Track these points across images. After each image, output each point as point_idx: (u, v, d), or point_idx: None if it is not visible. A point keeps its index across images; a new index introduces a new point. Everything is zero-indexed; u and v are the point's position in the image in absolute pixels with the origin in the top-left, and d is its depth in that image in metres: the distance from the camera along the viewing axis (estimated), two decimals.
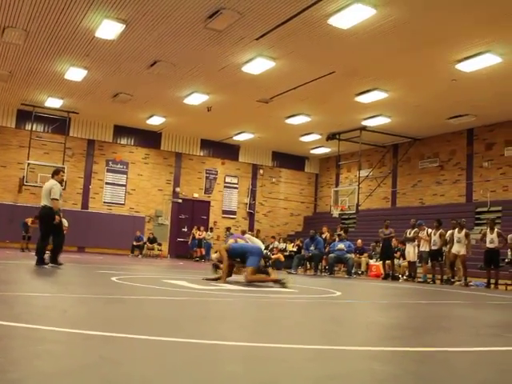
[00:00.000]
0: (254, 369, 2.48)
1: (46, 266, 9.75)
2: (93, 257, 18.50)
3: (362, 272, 18.76)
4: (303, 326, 4.41)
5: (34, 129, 22.80)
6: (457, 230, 14.73)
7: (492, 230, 14.36)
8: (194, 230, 24.53)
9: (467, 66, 14.84)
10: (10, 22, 13.96)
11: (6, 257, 13.85)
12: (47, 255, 10.21)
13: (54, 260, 10.07)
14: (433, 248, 15.14)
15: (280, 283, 8.10)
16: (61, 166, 22.65)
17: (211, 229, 25.29)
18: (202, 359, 2.61)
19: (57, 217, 10.00)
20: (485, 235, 14.50)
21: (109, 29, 13.84)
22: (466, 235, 14.62)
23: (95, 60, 16.44)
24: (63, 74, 17.82)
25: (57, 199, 10.02)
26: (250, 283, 8.12)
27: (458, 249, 14.54)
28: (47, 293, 5.72)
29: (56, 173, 10.57)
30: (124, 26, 13.60)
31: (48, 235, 10.22)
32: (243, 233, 18.88)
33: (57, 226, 10.11)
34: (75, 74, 17.68)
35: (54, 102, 21.45)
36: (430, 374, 2.63)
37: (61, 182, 10.57)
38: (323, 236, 18.51)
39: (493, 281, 14.05)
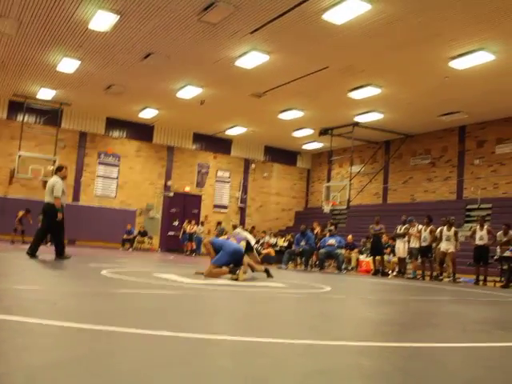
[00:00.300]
0: (243, 363, 2.49)
1: (35, 259, 9.81)
2: (83, 250, 18.45)
3: (352, 268, 18.83)
4: (293, 320, 4.42)
5: (25, 120, 22.69)
6: (445, 227, 14.82)
7: (482, 227, 14.45)
8: (185, 224, 24.51)
9: (460, 64, 14.89)
10: (2, 11, 13.86)
11: None
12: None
13: (61, 255, 10.26)
14: (423, 244, 15.21)
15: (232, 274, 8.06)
16: (52, 157, 22.59)
17: (202, 223, 25.27)
18: (191, 353, 2.61)
19: (59, 214, 10.15)
20: (474, 232, 14.60)
21: (103, 20, 13.78)
22: (455, 233, 14.72)
23: (88, 51, 16.36)
24: (56, 65, 17.72)
25: (58, 197, 10.12)
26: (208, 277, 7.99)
27: (446, 246, 14.62)
28: (37, 285, 5.70)
29: (59, 169, 10.65)
30: (118, 17, 13.54)
31: (48, 231, 10.45)
32: (234, 227, 18.90)
33: (59, 223, 10.24)
34: (68, 65, 17.59)
35: (46, 93, 21.33)
36: (419, 370, 2.65)
37: (64, 178, 10.59)
38: (314, 231, 18.55)
39: (482, 277, 14.14)
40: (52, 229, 10.39)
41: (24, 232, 20.25)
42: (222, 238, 9.16)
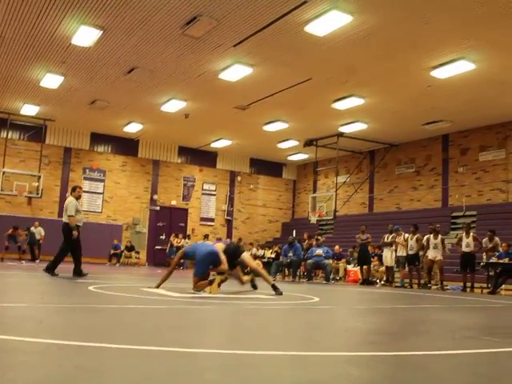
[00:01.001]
0: (231, 376, 2.48)
1: (54, 276, 10.37)
2: (69, 265, 18.26)
3: (340, 278, 18.84)
4: (281, 332, 4.41)
5: (9, 136, 22.51)
6: (432, 235, 14.89)
7: (468, 234, 14.55)
8: (171, 238, 24.40)
9: (442, 73, 15.05)
10: None
11: None
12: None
13: (79, 272, 10.97)
14: (410, 253, 15.26)
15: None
16: (37, 173, 22.46)
17: (189, 236, 25.17)
18: (179, 368, 2.59)
19: (74, 232, 10.75)
20: (461, 239, 14.70)
21: (85, 35, 13.76)
22: (442, 241, 14.80)
23: (72, 67, 16.32)
24: (39, 80, 17.65)
25: (72, 216, 10.74)
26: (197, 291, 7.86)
27: (434, 254, 14.68)
28: (23, 303, 5.64)
29: (73, 190, 11.34)
30: (101, 32, 13.54)
31: (67, 250, 11.06)
32: (219, 240, 18.84)
33: (75, 241, 10.90)
34: (51, 80, 17.52)
35: (29, 110, 21.22)
36: (408, 379, 2.65)
37: (78, 198, 11.21)
38: (305, 242, 18.47)
39: (469, 284, 14.21)
40: (72, 247, 10.97)
41: (20, 248, 20.20)
42: (194, 244, 8.97)
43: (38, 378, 2.22)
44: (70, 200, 10.96)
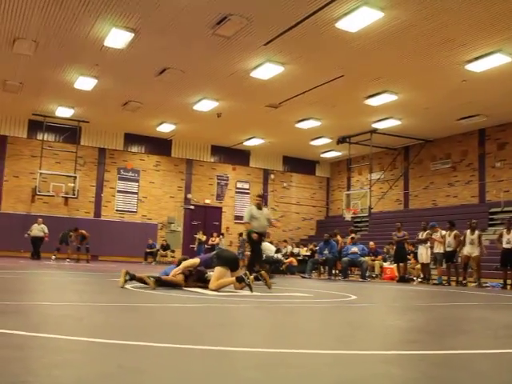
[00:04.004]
0: (272, 375, 2.47)
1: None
2: (106, 265, 18.56)
3: (376, 275, 18.67)
4: (320, 330, 4.38)
5: (45, 138, 22.98)
6: (469, 231, 14.62)
7: (509, 230, 14.19)
8: (199, 235, 24.54)
9: (477, 67, 14.78)
10: (20, 33, 14.10)
11: (21, 266, 13.91)
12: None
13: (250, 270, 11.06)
14: (447, 249, 15.03)
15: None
16: (73, 174, 22.85)
17: (222, 234, 25.28)
18: (220, 366, 2.60)
19: (253, 235, 11.48)
20: (501, 236, 14.36)
21: (117, 38, 13.94)
22: (479, 237, 14.51)
23: (104, 69, 16.54)
24: (73, 83, 17.93)
25: (247, 222, 11.65)
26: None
27: (470, 250, 14.42)
28: (63, 302, 5.74)
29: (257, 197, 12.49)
30: (132, 34, 13.69)
31: (253, 252, 11.82)
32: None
33: (256, 245, 11.69)
34: (85, 83, 17.80)
35: (64, 112, 21.60)
36: (450, 378, 2.60)
37: (257, 205, 11.91)
38: (339, 240, 18.36)
39: (509, 281, 13.92)
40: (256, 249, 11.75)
41: (80, 249, 20.23)
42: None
43: (82, 376, 2.24)
44: (249, 207, 12.18)
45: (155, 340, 3.23)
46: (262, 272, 8.49)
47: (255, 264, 11.60)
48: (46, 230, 20.44)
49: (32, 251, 20.42)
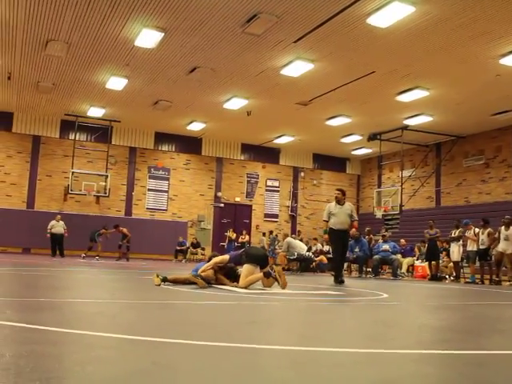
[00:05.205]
0: (305, 373, 2.45)
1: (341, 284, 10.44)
2: (137, 262, 18.75)
3: (408, 273, 18.45)
4: (352, 328, 4.35)
5: (77, 138, 23.32)
6: (503, 227, 14.32)
7: None
8: (229, 233, 24.59)
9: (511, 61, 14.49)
10: (52, 35, 14.31)
11: (54, 264, 14.13)
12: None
13: (337, 279, 10.67)
14: (481, 247, 14.77)
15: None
16: (104, 173, 23.13)
17: (264, 234, 25.39)
18: (253, 364, 2.59)
19: (325, 236, 11.48)
20: None
21: (148, 37, 14.05)
22: None
23: (135, 69, 16.69)
24: (104, 83, 18.15)
25: (325, 220, 10.99)
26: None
27: (504, 247, 14.11)
28: (95, 299, 5.80)
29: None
30: (163, 34, 13.77)
31: (333, 252, 11.57)
32: (285, 236, 18.81)
33: (334, 243, 11.03)
34: (116, 83, 18.00)
35: (96, 112, 21.89)
36: (487, 378, 2.55)
37: (336, 200, 11.00)
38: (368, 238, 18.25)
39: None
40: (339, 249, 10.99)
41: (121, 247, 20.55)
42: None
43: (116, 373, 2.26)
44: (328, 204, 11.27)
45: (188, 337, 3.23)
46: (277, 268, 8.00)
47: (340, 266, 10.97)
48: (65, 226, 20.70)
49: (52, 249, 20.52)
